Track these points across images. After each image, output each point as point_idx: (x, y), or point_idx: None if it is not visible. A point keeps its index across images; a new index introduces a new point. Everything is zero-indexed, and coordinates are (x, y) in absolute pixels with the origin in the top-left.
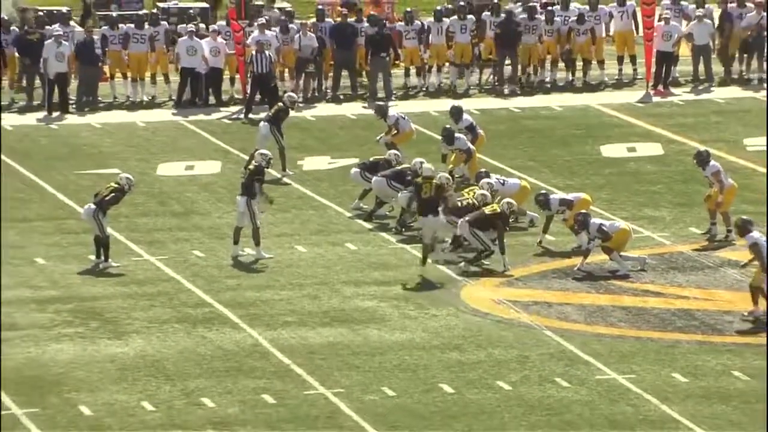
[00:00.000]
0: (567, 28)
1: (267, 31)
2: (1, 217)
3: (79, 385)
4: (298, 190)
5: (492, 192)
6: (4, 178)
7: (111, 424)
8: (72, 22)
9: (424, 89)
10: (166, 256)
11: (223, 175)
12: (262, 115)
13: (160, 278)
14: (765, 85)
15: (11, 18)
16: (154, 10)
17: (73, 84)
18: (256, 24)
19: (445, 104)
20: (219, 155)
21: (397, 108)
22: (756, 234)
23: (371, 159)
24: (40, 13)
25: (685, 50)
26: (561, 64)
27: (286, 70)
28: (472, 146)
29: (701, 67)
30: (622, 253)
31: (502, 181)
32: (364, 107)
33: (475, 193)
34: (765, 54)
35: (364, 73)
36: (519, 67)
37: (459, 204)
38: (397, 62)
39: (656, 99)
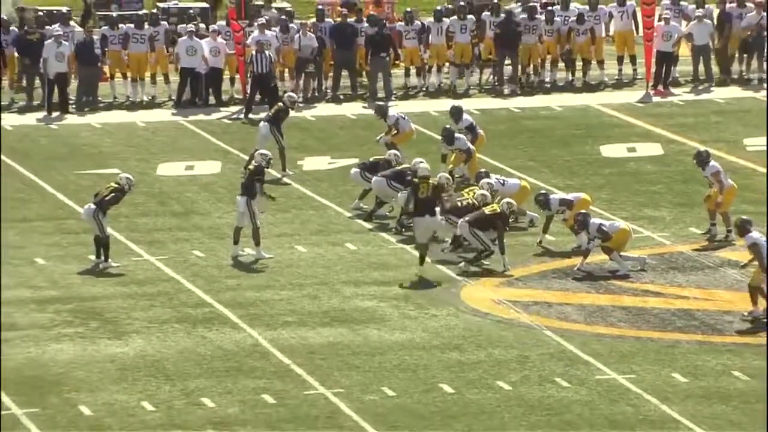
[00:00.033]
0: (567, 28)
1: (267, 31)
2: (1, 217)
3: (79, 385)
4: (298, 190)
5: (492, 192)
6: (4, 178)
7: (111, 424)
8: (72, 22)
9: (424, 89)
10: (166, 256)
11: (223, 175)
12: (262, 115)
13: (160, 278)
14: (765, 85)
15: (11, 18)
16: (154, 10)
17: (73, 84)
18: (256, 24)
19: (445, 104)
20: (219, 155)
21: (397, 108)
22: (755, 234)
23: (371, 159)
24: (40, 13)
25: (685, 50)
26: (561, 64)
27: (286, 70)
28: (472, 146)
29: (701, 67)
30: (622, 253)
31: (502, 181)
32: (364, 107)
33: (475, 193)
34: (765, 54)
35: (364, 73)
36: (519, 67)
37: (459, 204)
38: (397, 62)
39: (656, 99)
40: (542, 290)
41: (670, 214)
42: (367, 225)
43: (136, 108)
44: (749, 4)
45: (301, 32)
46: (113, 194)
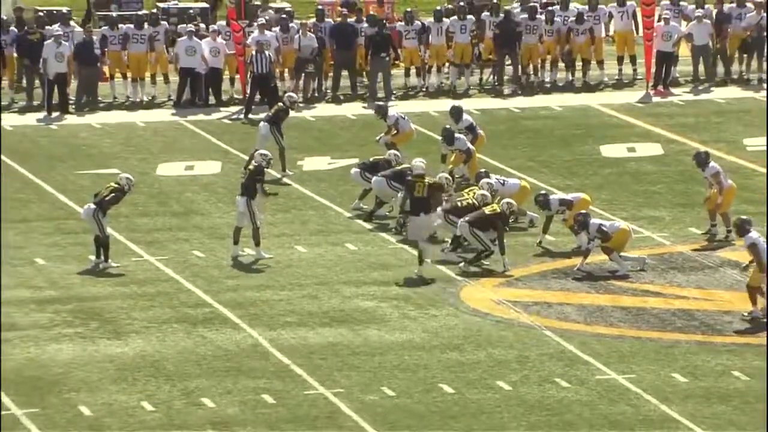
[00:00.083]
0: (566, 28)
1: (267, 32)
2: (1, 217)
3: (78, 385)
4: (298, 190)
5: (492, 192)
6: (4, 178)
7: (111, 424)
8: (72, 22)
9: (424, 89)
10: (166, 256)
11: (223, 175)
12: (262, 115)
13: (159, 278)
14: (765, 85)
15: (10, 18)
16: (154, 10)
17: (73, 84)
18: (256, 24)
19: (445, 104)
20: (219, 155)
21: (397, 108)
22: (754, 234)
23: (371, 159)
24: (40, 14)
25: (684, 50)
26: (561, 65)
27: (286, 70)
28: (472, 146)
29: (701, 68)
30: (621, 254)
31: (502, 181)
32: (364, 107)
33: (475, 193)
34: (765, 54)
35: (364, 73)
36: (519, 66)
37: (459, 204)
38: (397, 62)
39: (656, 99)
40: (542, 290)
41: (669, 214)
42: (367, 225)
43: (136, 108)
44: (749, 5)
45: (300, 32)
46: (113, 194)
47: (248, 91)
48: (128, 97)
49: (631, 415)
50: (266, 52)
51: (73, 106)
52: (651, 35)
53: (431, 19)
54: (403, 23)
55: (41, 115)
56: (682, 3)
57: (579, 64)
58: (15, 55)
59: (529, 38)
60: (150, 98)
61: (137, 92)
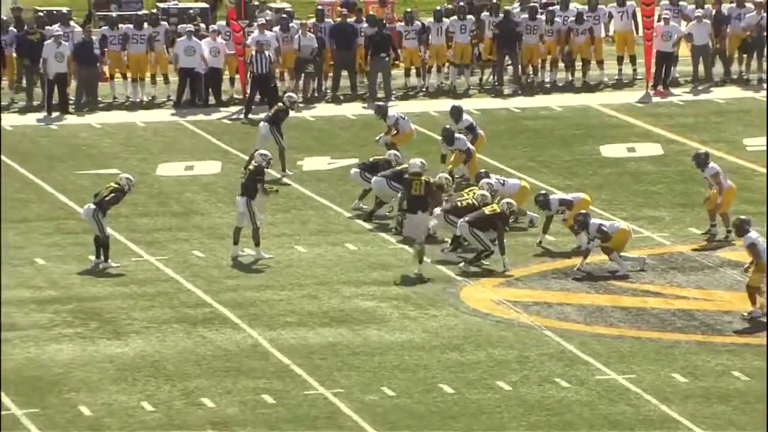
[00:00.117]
0: (566, 28)
1: (267, 32)
2: (1, 217)
3: (78, 385)
4: (298, 190)
5: (492, 192)
6: (4, 178)
7: (110, 424)
8: (72, 23)
9: (424, 89)
10: (166, 256)
11: (223, 175)
12: (262, 115)
13: (159, 278)
14: (765, 85)
15: (10, 19)
16: (154, 11)
17: (73, 84)
18: (255, 24)
19: (445, 104)
20: (219, 155)
21: (397, 108)
22: (753, 234)
23: (371, 159)
24: (40, 14)
25: (684, 50)
26: (561, 65)
27: (286, 70)
28: (471, 146)
29: (701, 68)
30: (621, 254)
31: (502, 182)
32: (364, 107)
33: (475, 193)
34: (765, 54)
35: (363, 73)
36: (519, 66)
37: (459, 204)
38: (397, 62)
39: (656, 99)
40: (542, 290)
41: (669, 214)
42: (367, 225)
43: (136, 108)
44: (748, 5)
45: (300, 32)
46: (113, 194)
47: (248, 91)
48: (128, 97)
49: (631, 415)
50: (266, 52)
51: (73, 106)
52: (651, 35)
53: (431, 19)
54: (403, 23)
55: (41, 115)
56: (681, 3)
57: (579, 64)
58: (15, 55)
59: (529, 38)
60: (150, 98)
61: (137, 92)
